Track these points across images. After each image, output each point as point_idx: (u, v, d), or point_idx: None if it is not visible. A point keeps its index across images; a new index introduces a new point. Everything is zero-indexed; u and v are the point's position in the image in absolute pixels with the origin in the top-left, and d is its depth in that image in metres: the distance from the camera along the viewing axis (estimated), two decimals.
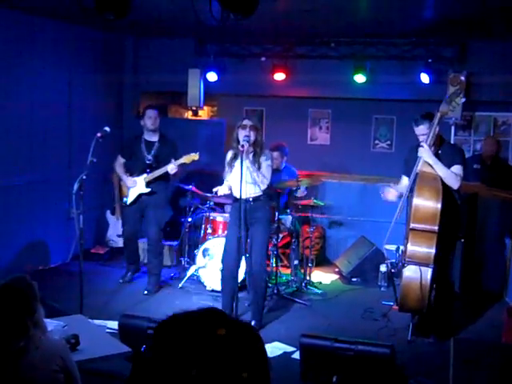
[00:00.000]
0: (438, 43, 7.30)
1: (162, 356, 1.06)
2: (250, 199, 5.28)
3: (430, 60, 7.23)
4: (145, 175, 6.18)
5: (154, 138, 6.29)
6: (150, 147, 6.25)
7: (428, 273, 4.80)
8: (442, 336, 5.06)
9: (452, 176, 4.91)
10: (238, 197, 5.22)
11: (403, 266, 4.87)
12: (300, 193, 6.73)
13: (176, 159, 6.08)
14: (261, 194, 5.33)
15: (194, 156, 5.99)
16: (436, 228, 4.78)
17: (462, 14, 5.89)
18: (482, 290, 6.50)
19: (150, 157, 6.21)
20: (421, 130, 5.03)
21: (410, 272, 4.85)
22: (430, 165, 4.96)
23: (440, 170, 4.90)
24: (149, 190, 6.21)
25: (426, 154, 4.92)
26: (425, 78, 7.23)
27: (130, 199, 6.31)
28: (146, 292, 6.24)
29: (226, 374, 1.04)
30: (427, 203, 4.79)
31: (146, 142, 6.27)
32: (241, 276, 5.72)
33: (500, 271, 6.52)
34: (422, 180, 4.88)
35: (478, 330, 5.49)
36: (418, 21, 6.41)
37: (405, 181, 5.36)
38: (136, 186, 6.22)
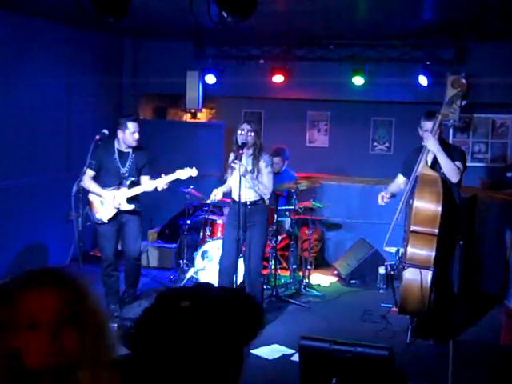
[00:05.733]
0: (437, 45, 7.31)
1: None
2: (248, 203, 5.31)
3: (428, 62, 7.25)
4: (124, 189, 5.49)
5: (129, 149, 5.55)
6: (124, 159, 5.53)
7: (428, 276, 4.80)
8: (441, 338, 5.06)
9: (454, 168, 4.94)
10: (236, 199, 5.26)
11: (403, 269, 4.87)
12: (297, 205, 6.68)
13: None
14: (259, 198, 5.35)
15: (192, 171, 5.46)
16: (436, 231, 4.78)
17: (460, 16, 5.90)
18: (481, 291, 6.50)
19: (125, 170, 5.52)
20: (429, 125, 5.05)
21: (409, 275, 4.85)
22: (430, 167, 4.99)
23: (443, 160, 4.94)
24: (132, 206, 5.54)
25: (431, 142, 4.94)
26: (423, 80, 7.24)
27: (106, 216, 5.53)
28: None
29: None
30: (428, 206, 4.80)
31: (120, 153, 5.53)
32: (240, 278, 5.72)
33: (499, 273, 6.52)
34: (422, 183, 4.89)
35: (476, 332, 5.49)
36: (417, 23, 6.41)
37: (400, 179, 5.44)
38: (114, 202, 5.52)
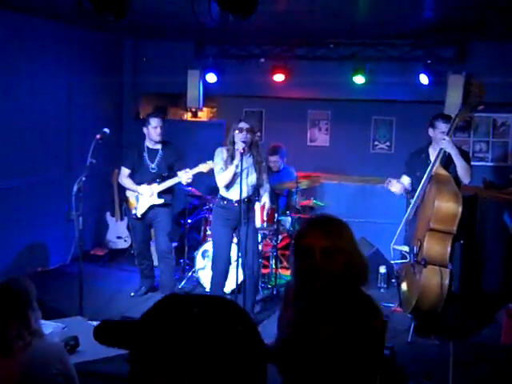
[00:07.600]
0: (437, 44, 7.30)
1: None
2: (246, 200, 5.36)
3: (429, 61, 7.24)
4: (155, 185, 5.82)
5: (157, 146, 5.89)
6: (153, 156, 5.86)
7: (447, 273, 4.84)
8: (443, 337, 5.06)
9: (468, 169, 5.07)
10: (231, 198, 5.38)
11: (424, 266, 4.85)
12: (298, 200, 6.69)
13: (181, 167, 5.77)
14: (252, 194, 5.48)
15: (211, 163, 5.53)
16: (454, 229, 4.86)
17: (460, 15, 5.89)
18: (482, 290, 6.49)
19: (153, 166, 5.84)
20: (446, 128, 5.11)
21: (429, 273, 4.84)
22: (443, 167, 5.04)
23: (459, 161, 5.04)
24: (162, 200, 5.83)
25: (448, 144, 5.01)
26: (424, 79, 7.23)
27: (140, 211, 5.91)
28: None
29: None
30: (449, 205, 4.85)
31: (149, 150, 5.88)
32: (240, 278, 5.72)
33: (499, 272, 6.51)
34: (439, 182, 4.94)
35: (477, 332, 5.49)
36: (417, 22, 6.41)
37: (405, 180, 5.49)
38: (148, 196, 5.85)
